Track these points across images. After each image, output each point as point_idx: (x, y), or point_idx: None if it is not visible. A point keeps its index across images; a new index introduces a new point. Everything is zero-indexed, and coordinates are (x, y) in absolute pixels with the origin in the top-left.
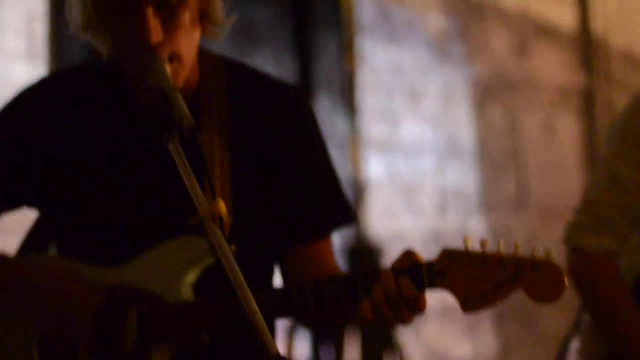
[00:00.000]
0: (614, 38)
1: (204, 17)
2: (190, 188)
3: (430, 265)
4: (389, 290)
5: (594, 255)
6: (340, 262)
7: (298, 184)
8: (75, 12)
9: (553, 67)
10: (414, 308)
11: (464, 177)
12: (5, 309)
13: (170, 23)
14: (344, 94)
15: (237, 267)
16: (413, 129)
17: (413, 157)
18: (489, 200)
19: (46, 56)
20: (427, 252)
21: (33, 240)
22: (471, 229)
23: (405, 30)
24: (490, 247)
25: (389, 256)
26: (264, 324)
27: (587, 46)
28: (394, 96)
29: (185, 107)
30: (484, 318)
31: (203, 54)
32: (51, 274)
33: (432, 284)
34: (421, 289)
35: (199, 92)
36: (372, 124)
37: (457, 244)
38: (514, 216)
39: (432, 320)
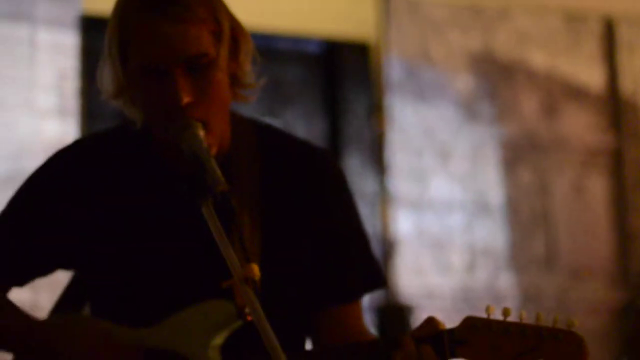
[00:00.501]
0: None
1: (234, 81)
2: (224, 251)
3: (451, 332)
4: (409, 358)
5: None
6: (370, 320)
7: (328, 248)
8: (107, 79)
9: (582, 127)
10: None
11: (493, 235)
12: None
13: (200, 85)
14: (374, 153)
15: (271, 331)
16: (443, 187)
17: (442, 215)
18: (519, 259)
19: (77, 113)
20: (456, 310)
21: (67, 300)
22: (500, 287)
23: (434, 90)
24: (512, 316)
25: (419, 314)
26: None
27: (615, 106)
28: (423, 155)
29: (219, 172)
30: None
31: (234, 117)
32: (85, 337)
33: (454, 353)
34: (442, 357)
35: (231, 156)
36: (401, 182)
37: (486, 302)
38: (543, 275)
39: None
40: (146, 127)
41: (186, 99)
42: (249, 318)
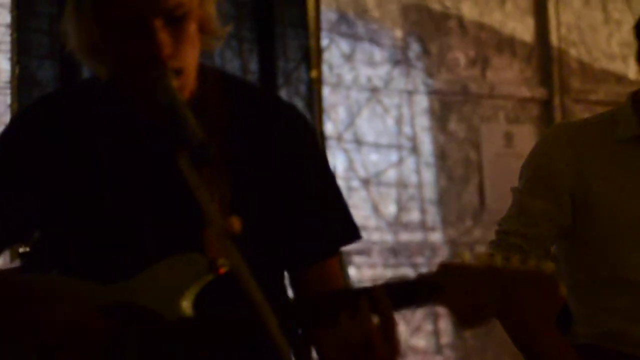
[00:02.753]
0: (572, 50)
1: (202, 29)
2: (204, 204)
3: (427, 278)
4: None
5: None
6: None
7: (302, 202)
8: (73, 30)
9: (512, 78)
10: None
11: (424, 183)
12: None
13: (177, 36)
14: (307, 96)
15: (255, 285)
16: (373, 134)
17: (374, 158)
18: (449, 209)
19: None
20: (388, 255)
21: (35, 261)
22: (431, 238)
23: (366, 39)
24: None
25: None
26: (285, 342)
27: (545, 58)
28: (356, 101)
29: (196, 123)
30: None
31: (202, 68)
32: (46, 295)
33: (429, 299)
34: (417, 303)
35: (197, 105)
36: (333, 126)
37: (417, 252)
38: (472, 225)
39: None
40: (112, 81)
41: (166, 50)
42: (221, 271)
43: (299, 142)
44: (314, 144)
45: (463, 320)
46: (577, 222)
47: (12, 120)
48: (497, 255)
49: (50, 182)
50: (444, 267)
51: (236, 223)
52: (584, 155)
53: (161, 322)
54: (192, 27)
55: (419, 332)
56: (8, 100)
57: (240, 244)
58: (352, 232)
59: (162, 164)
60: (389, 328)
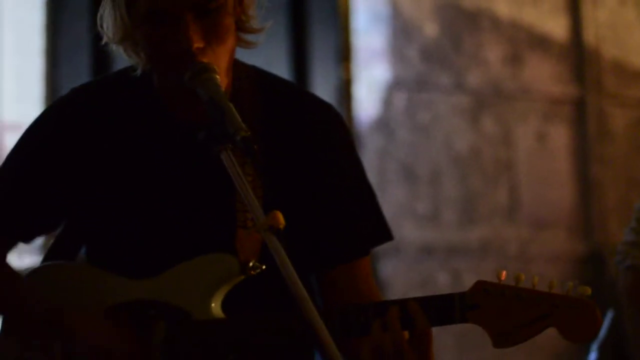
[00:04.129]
0: (606, 49)
1: (239, 26)
2: (247, 199)
3: (462, 296)
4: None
5: None
6: None
7: (334, 203)
8: (109, 22)
9: (546, 77)
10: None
11: (457, 184)
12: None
13: (210, 30)
14: (340, 101)
15: (298, 280)
16: (407, 136)
17: (407, 164)
18: (482, 209)
19: None
20: (418, 262)
21: (60, 246)
22: (464, 237)
23: (400, 38)
24: (525, 283)
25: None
26: (331, 338)
27: (579, 57)
28: (389, 103)
29: (239, 117)
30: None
31: (236, 63)
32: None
33: (464, 317)
34: (451, 322)
35: (232, 102)
36: (367, 131)
37: (449, 250)
38: (505, 225)
39: None
40: (146, 73)
41: (197, 44)
42: (252, 273)
43: (333, 141)
44: (348, 144)
45: (499, 340)
46: None
47: (46, 111)
48: (534, 278)
49: (83, 174)
50: (481, 286)
51: (280, 217)
52: None
53: (189, 321)
54: (227, 22)
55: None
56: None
57: (284, 240)
58: (383, 233)
59: (198, 160)
60: (422, 342)
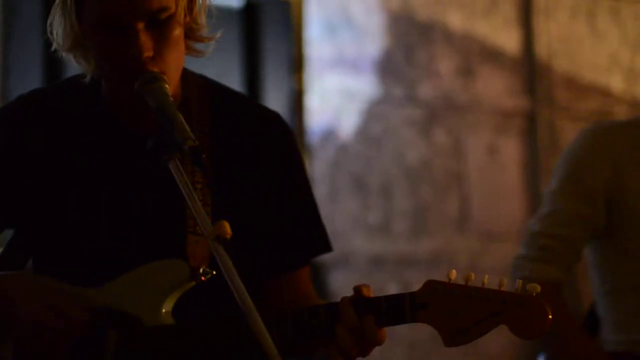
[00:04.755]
0: (557, 63)
1: (189, 35)
2: (193, 208)
3: (412, 296)
4: (351, 330)
5: (540, 283)
6: None
7: (278, 212)
8: (58, 29)
9: (497, 90)
10: (376, 342)
11: (408, 195)
12: None
13: (160, 39)
14: (291, 111)
15: (244, 290)
16: (358, 147)
17: (358, 176)
18: (432, 220)
19: None
20: (369, 273)
21: (8, 258)
22: (413, 248)
23: (352, 49)
24: (475, 282)
25: (335, 277)
26: (275, 348)
27: (530, 70)
28: (341, 114)
29: (187, 127)
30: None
31: (185, 72)
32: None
33: (414, 317)
34: (402, 321)
35: (180, 110)
36: (317, 141)
37: (399, 262)
38: (455, 237)
39: None
40: (95, 81)
41: (147, 53)
42: (202, 279)
43: (280, 151)
44: (294, 153)
45: (450, 339)
46: (612, 225)
47: None
48: (484, 277)
49: (31, 183)
50: (431, 285)
51: (227, 227)
52: (622, 157)
53: (140, 327)
54: (177, 32)
55: None
56: None
57: (230, 248)
58: (324, 244)
59: (148, 169)
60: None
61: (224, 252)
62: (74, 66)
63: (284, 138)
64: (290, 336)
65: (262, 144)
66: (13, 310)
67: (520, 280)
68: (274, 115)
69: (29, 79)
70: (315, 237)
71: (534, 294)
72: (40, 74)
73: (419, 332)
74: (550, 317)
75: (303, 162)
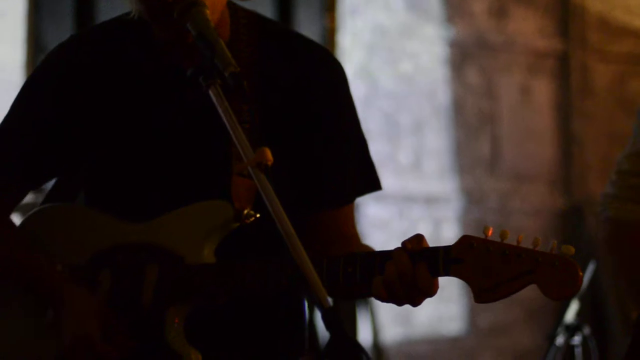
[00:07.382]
0: (591, 4)
1: None
2: (234, 134)
3: (448, 250)
4: (403, 272)
5: (631, 223)
6: None
7: (326, 147)
8: None
9: (530, 30)
10: (426, 292)
11: (439, 135)
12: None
13: None
14: None
15: (286, 217)
16: (391, 85)
17: (390, 113)
18: (463, 160)
19: None
20: (400, 210)
21: (61, 188)
22: (444, 188)
23: None
24: (510, 240)
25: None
26: (317, 276)
27: (564, 11)
28: (372, 53)
29: (228, 53)
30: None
31: (235, 8)
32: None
33: (448, 270)
34: (435, 274)
35: (230, 45)
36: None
37: (429, 202)
38: (486, 177)
39: None
40: (141, 18)
41: None
42: (246, 221)
43: (330, 87)
44: (344, 90)
45: (481, 294)
46: None
47: (47, 58)
48: (519, 235)
49: (84, 119)
50: (467, 240)
51: (268, 154)
52: None
53: (182, 265)
54: None
55: None
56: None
57: (272, 177)
58: (371, 182)
59: (197, 107)
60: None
61: (265, 179)
62: (103, 4)
63: (334, 75)
64: (341, 279)
65: (311, 80)
66: (62, 320)
67: (555, 241)
68: (325, 52)
69: (58, 16)
70: (364, 175)
71: (568, 257)
72: (70, 10)
73: None
74: (581, 280)
75: (352, 100)
